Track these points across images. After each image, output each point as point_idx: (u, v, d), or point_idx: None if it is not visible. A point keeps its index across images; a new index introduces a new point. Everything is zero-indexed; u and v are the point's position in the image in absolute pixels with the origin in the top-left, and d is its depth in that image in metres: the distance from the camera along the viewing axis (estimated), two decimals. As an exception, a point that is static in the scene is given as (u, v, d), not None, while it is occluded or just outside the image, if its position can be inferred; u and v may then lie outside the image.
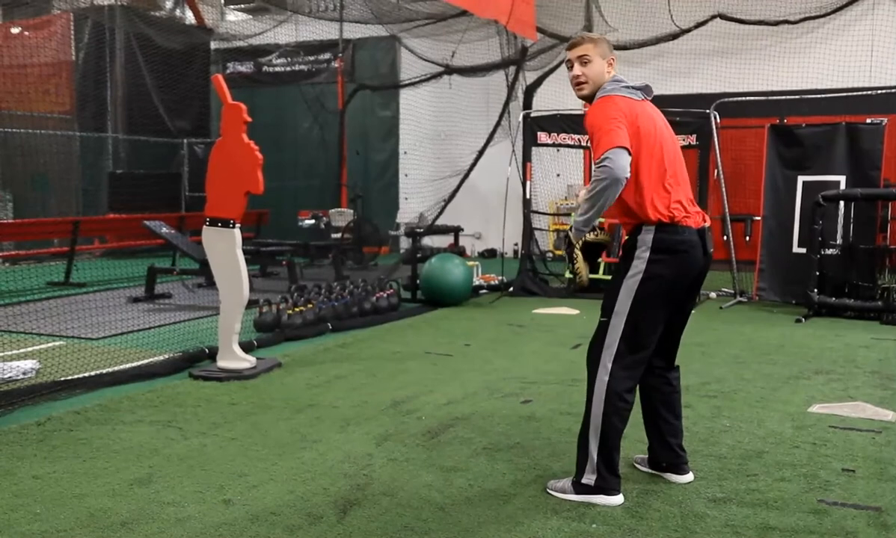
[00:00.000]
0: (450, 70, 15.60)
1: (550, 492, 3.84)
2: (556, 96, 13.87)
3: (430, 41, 15.91)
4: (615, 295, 3.81)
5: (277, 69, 18.92)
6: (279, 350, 7.24)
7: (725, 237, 10.87)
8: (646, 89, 3.87)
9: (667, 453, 4.04)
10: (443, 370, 6.49)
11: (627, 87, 3.81)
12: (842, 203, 9.58)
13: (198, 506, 3.67)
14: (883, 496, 3.79)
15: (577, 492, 3.76)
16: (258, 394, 5.72)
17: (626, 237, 3.89)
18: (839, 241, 9.60)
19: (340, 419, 5.07)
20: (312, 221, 15.72)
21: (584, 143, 11.45)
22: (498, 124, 13.20)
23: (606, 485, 3.71)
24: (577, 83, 3.86)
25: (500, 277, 11.47)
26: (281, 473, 4.08)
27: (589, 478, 3.73)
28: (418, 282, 10.27)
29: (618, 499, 3.71)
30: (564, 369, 6.50)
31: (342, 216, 15.53)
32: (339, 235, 14.72)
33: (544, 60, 14.14)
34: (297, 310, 8.16)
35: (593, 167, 3.66)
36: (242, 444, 4.56)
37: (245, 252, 6.61)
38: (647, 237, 3.74)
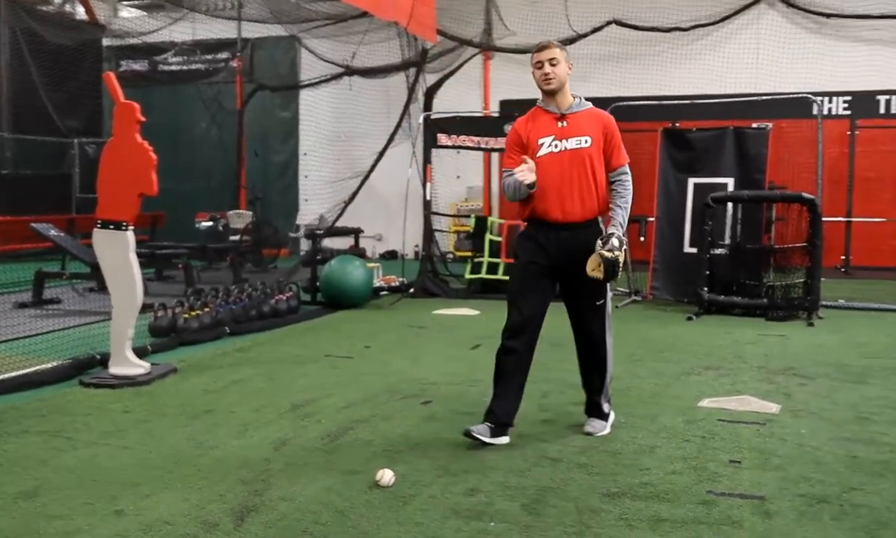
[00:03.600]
0: (350, 71, 15.56)
1: (596, 433, 4.76)
2: (457, 98, 14.00)
3: (330, 42, 15.82)
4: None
5: (173, 68, 18.47)
6: (175, 355, 7.08)
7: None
8: None
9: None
10: (343, 373, 6.46)
11: None
12: (730, 204, 9.94)
13: (87, 518, 3.55)
14: (766, 485, 3.95)
15: (608, 420, 4.87)
16: (153, 400, 5.58)
17: (582, 225, 4.58)
18: (727, 241, 9.97)
19: (238, 424, 4.99)
20: (210, 223, 15.44)
21: (483, 145, 11.57)
22: (398, 126, 13.23)
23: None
24: (546, 80, 4.57)
25: (400, 279, 11.48)
26: (176, 481, 3.99)
27: (607, 407, 4.88)
28: (318, 284, 10.19)
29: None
30: (465, 370, 6.55)
31: (241, 218, 15.29)
32: (237, 237, 14.49)
33: (445, 63, 14.23)
34: (193, 313, 8.00)
35: (618, 172, 4.67)
36: (136, 453, 4.45)
37: (139, 255, 6.46)
38: (601, 227, 4.64)
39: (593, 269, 4.42)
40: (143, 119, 6.14)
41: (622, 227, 4.57)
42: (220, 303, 8.49)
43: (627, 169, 4.70)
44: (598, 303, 4.67)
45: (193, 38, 17.24)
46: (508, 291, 4.83)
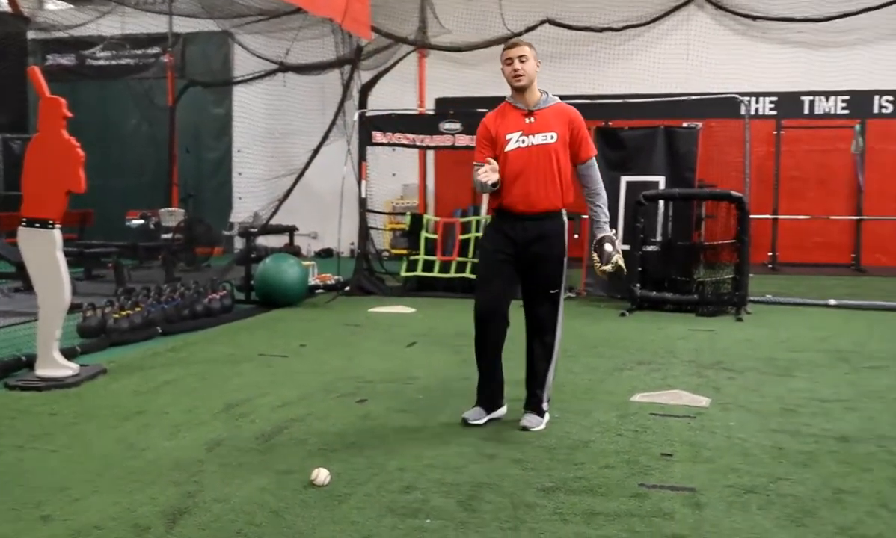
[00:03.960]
0: (284, 68, 15.41)
1: (531, 429, 4.78)
2: (392, 96, 13.97)
3: (263, 38, 15.65)
4: (561, 268, 4.87)
5: (102, 63, 18.05)
6: (104, 356, 6.93)
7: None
8: None
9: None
10: (277, 372, 6.41)
11: None
12: (661, 202, 10.12)
13: (12, 524, 3.46)
14: (697, 477, 4.03)
15: (544, 417, 4.90)
16: (81, 402, 5.46)
17: (543, 216, 4.80)
18: (659, 238, 10.14)
19: (170, 425, 4.91)
20: (141, 221, 15.16)
21: (419, 143, 11.57)
22: (333, 123, 13.14)
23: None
24: (516, 76, 4.75)
25: (336, 277, 11.41)
26: (106, 485, 3.91)
27: (546, 405, 4.93)
28: (252, 282, 10.08)
29: None
30: (400, 367, 6.55)
31: (173, 216, 15.03)
32: (169, 236, 14.23)
33: (380, 60, 14.20)
34: (123, 313, 7.85)
35: (587, 165, 4.89)
36: (64, 457, 4.34)
37: (67, 254, 6.31)
38: (566, 220, 4.90)
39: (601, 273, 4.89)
40: (69, 114, 6.00)
41: (607, 223, 4.89)
42: (151, 302, 8.34)
43: (594, 161, 4.92)
44: (552, 291, 4.85)
45: (122, 33, 16.89)
46: (476, 279, 5.21)
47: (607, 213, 4.95)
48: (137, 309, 8.01)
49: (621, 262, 4.79)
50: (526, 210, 4.76)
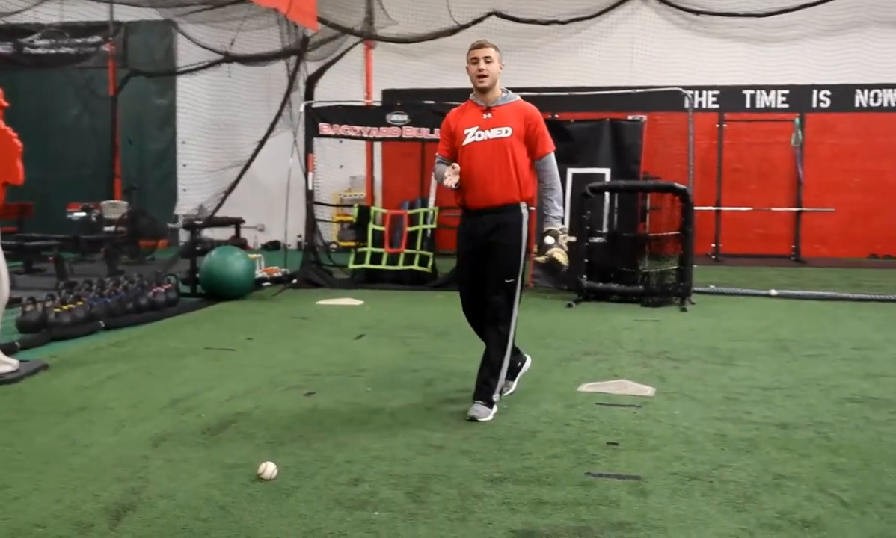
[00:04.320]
0: (229, 58, 15.19)
1: (479, 419, 4.82)
2: (339, 87, 13.88)
3: (207, 28, 15.42)
4: (517, 258, 4.94)
5: (40, 51, 17.62)
6: (45, 351, 6.80)
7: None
8: None
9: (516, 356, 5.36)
10: (224, 365, 6.35)
11: None
12: (607, 194, 10.22)
13: (-49, 523, 3.38)
14: (642, 465, 4.09)
15: (492, 409, 4.93)
16: (22, 399, 5.35)
17: (501, 209, 4.92)
18: (605, 229, 10.24)
19: (114, 421, 4.84)
20: (83, 214, 14.88)
21: (366, 135, 11.52)
22: (279, 114, 13.03)
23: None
24: (480, 76, 4.93)
25: (283, 270, 11.34)
26: (47, 482, 3.84)
27: (497, 396, 4.97)
28: (198, 276, 9.96)
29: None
30: (348, 360, 6.53)
31: (116, 208, 14.77)
32: (112, 228, 13.99)
33: (326, 51, 14.09)
34: (65, 308, 7.69)
35: (543, 161, 5.00)
36: (3, 454, 4.25)
37: (6, 247, 6.18)
38: (526, 213, 4.97)
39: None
40: (5, 104, 5.86)
41: (557, 218, 5.01)
42: (94, 296, 8.19)
43: (552, 157, 5.03)
44: (507, 280, 4.92)
45: (62, 21, 16.51)
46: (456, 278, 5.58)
47: (558, 208, 5.03)
48: (79, 303, 7.87)
49: (558, 257, 4.93)
50: (484, 204, 4.94)
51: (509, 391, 5.31)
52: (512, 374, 5.33)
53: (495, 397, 4.98)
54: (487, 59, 4.94)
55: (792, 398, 5.39)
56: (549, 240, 4.97)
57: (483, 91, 5.00)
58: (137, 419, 4.88)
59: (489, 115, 4.99)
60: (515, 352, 5.28)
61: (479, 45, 5.00)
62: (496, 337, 4.99)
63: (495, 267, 4.94)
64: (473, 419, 4.85)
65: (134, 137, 17.54)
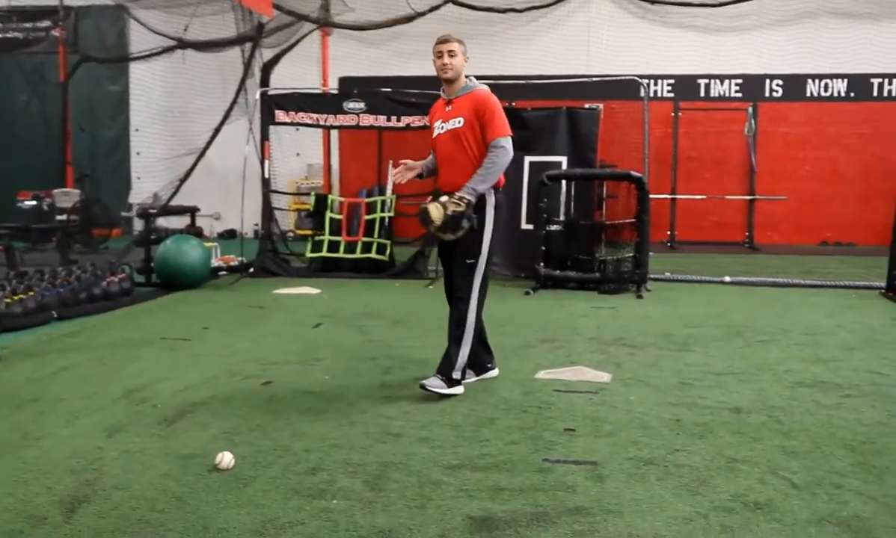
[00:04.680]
0: (183, 44, 14.99)
1: (428, 388, 4.99)
2: (295, 75, 13.78)
3: (161, 13, 15.21)
4: (479, 241, 5.09)
5: (-12, 36, 17.29)
6: (-4, 342, 6.68)
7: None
8: None
9: (489, 355, 5.56)
10: (180, 355, 6.28)
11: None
12: (564, 182, 10.28)
13: None
14: (598, 451, 4.14)
15: (449, 385, 5.05)
16: (-29, 391, 5.25)
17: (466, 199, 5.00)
18: (562, 217, 10.31)
19: (67, 412, 4.77)
20: (34, 202, 14.65)
21: (323, 123, 11.46)
22: (234, 102, 12.91)
23: (462, 378, 5.16)
24: (443, 69, 5.16)
25: (239, 258, 11.25)
26: (-2, 475, 3.78)
27: (458, 375, 5.10)
28: (153, 265, 9.84)
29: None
30: (305, 349, 6.50)
31: (68, 196, 14.54)
32: (64, 217, 13.77)
33: (281, 38, 13.98)
34: (16, 298, 7.56)
35: (490, 146, 5.04)
36: (-47, 447, 4.17)
37: (-48, 236, 6.04)
38: (491, 198, 5.12)
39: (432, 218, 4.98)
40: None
41: (467, 188, 4.98)
42: (46, 286, 8.06)
43: (502, 142, 5.06)
44: (468, 261, 5.11)
45: (9, 4, 16.18)
46: None
47: (474, 183, 5.00)
48: (31, 293, 7.73)
49: (430, 209, 4.95)
50: (450, 189, 5.12)
51: (443, 390, 5.07)
52: (476, 369, 5.43)
53: (455, 375, 5.10)
54: (451, 53, 5.15)
55: (745, 383, 5.48)
56: (442, 198, 5.06)
57: (448, 82, 5.22)
58: (91, 410, 4.82)
59: (450, 107, 5.22)
60: (487, 349, 5.50)
61: (443, 41, 5.20)
62: (454, 313, 5.17)
63: (458, 247, 5.14)
64: (423, 387, 5.03)
65: (86, 124, 17.26)
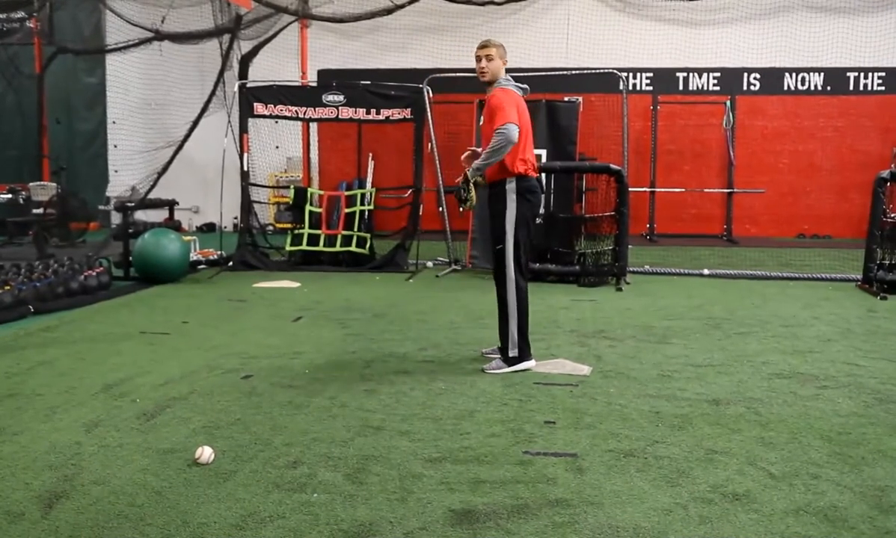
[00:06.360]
0: (160, 36, 14.87)
1: (487, 372, 5.47)
2: (273, 67, 13.72)
3: (137, 5, 15.10)
4: (501, 227, 5.49)
5: (-40, 27, 17.08)
6: (-28, 337, 6.62)
7: (440, 208, 11.31)
8: (524, 90, 5.71)
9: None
10: (159, 350, 6.25)
11: (516, 85, 5.64)
12: (543, 175, 10.28)
13: None
14: (579, 443, 4.16)
15: (509, 365, 5.53)
16: (-53, 386, 5.20)
17: (491, 185, 5.56)
18: (542, 210, 10.30)
19: (45, 408, 4.73)
20: (9, 196, 14.49)
21: (302, 115, 11.41)
22: (213, 94, 12.82)
23: (522, 355, 5.58)
24: (481, 73, 5.58)
25: (219, 252, 11.19)
26: (-25, 471, 3.75)
27: (514, 352, 5.54)
28: (131, 258, 9.77)
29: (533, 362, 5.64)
30: (286, 342, 6.48)
31: (44, 190, 14.41)
32: (41, 210, 13.65)
33: (260, 30, 13.90)
34: (-8, 292, 7.49)
35: (494, 134, 5.34)
36: (-72, 443, 4.13)
37: (-73, 230, 5.97)
38: (512, 186, 5.47)
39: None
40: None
41: (476, 168, 5.48)
42: (22, 280, 7.99)
43: (501, 129, 5.33)
44: (497, 247, 5.55)
45: (-17, -4, 16.02)
46: None
47: (484, 163, 5.45)
48: (7, 287, 7.66)
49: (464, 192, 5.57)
50: (488, 181, 5.59)
51: (503, 370, 5.55)
52: (518, 356, 5.63)
53: (512, 353, 5.57)
54: (489, 58, 5.56)
55: (724, 375, 5.52)
56: (461, 178, 5.59)
57: (485, 84, 5.63)
58: (70, 405, 4.78)
59: (486, 106, 5.64)
60: (524, 339, 5.65)
61: (481, 46, 5.63)
62: (500, 301, 5.66)
63: (491, 235, 5.64)
64: (483, 371, 5.54)
65: (62, 117, 17.10)
